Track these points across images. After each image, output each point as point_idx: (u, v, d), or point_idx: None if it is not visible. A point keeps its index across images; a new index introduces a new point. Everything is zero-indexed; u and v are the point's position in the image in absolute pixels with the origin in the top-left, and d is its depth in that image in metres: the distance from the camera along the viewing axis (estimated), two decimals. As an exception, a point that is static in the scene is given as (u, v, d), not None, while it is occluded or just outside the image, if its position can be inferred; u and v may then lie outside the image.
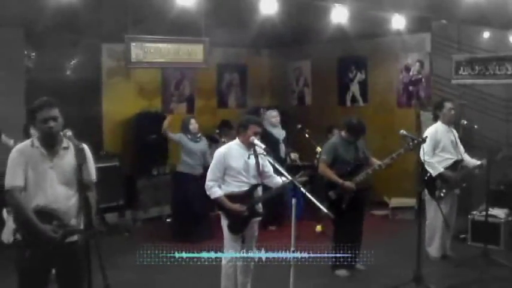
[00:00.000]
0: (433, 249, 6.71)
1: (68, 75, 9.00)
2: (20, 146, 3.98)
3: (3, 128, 6.44)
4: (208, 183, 5.19)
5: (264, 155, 5.06)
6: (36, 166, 3.85)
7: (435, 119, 6.79)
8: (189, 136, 7.92)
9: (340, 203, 6.10)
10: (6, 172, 3.91)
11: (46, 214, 3.80)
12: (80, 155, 3.87)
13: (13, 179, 3.83)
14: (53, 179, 3.86)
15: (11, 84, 7.89)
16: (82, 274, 3.89)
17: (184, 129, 7.96)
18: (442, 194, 6.51)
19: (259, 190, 5.28)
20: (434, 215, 6.61)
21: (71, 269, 3.95)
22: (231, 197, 5.13)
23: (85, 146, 4.03)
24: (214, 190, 5.15)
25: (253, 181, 5.20)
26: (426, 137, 6.11)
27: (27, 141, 3.97)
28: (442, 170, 6.52)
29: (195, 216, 7.68)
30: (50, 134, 3.84)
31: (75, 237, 3.91)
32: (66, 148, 3.92)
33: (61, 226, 3.81)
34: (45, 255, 3.80)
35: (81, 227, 3.89)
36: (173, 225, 8.24)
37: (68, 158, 3.92)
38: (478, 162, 6.64)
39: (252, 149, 5.16)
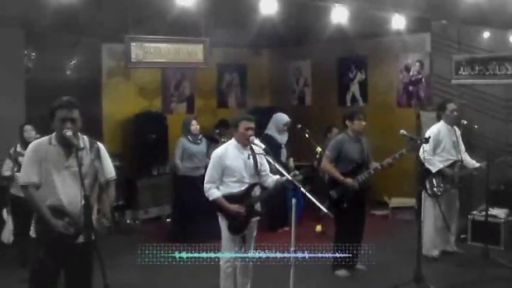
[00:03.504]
0: (423, 249, 6.62)
1: (68, 75, 9.00)
2: (37, 141, 4.00)
3: (3, 128, 6.44)
4: (206, 185, 5.17)
5: (264, 154, 5.05)
6: (52, 164, 3.87)
7: (438, 118, 6.83)
8: (190, 138, 7.84)
9: (342, 203, 6.11)
10: (22, 167, 3.99)
11: (58, 211, 3.83)
12: (95, 154, 3.94)
13: (28, 175, 3.87)
14: (67, 178, 3.87)
15: (11, 84, 7.87)
16: (90, 275, 3.96)
17: (185, 130, 7.91)
18: (439, 193, 6.52)
19: (258, 189, 5.26)
20: (428, 213, 6.63)
21: (80, 269, 3.98)
22: (230, 197, 5.12)
23: (100, 145, 4.07)
24: (212, 192, 5.13)
25: (252, 180, 5.19)
26: (429, 137, 6.14)
27: (45, 138, 3.98)
28: (441, 166, 6.54)
29: (195, 217, 7.65)
30: (64, 137, 3.82)
31: (84, 238, 3.90)
32: (82, 149, 3.88)
33: (72, 224, 3.83)
34: (58, 254, 3.81)
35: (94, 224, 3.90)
36: (173, 227, 8.15)
37: (83, 159, 3.88)
38: (477, 165, 6.65)
39: (249, 148, 5.16)
